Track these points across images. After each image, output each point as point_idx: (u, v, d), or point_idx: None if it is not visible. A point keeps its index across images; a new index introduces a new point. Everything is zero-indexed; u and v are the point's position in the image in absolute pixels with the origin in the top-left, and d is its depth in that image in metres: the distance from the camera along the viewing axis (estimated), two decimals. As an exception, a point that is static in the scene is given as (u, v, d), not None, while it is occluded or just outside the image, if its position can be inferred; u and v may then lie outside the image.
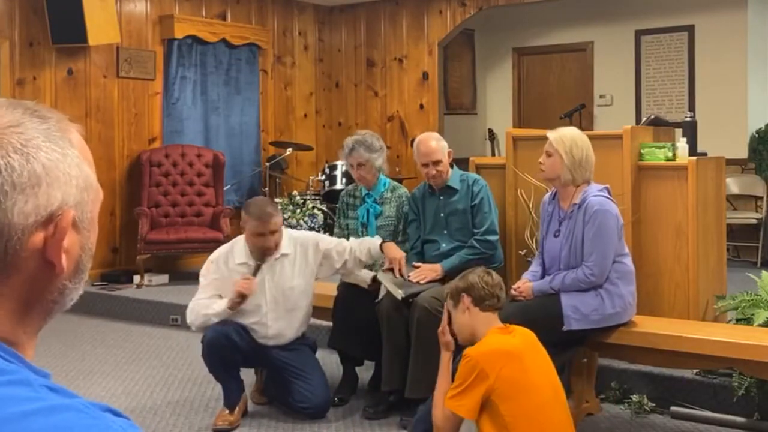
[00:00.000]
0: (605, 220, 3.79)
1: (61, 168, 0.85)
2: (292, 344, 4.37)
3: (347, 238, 4.74)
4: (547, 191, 4.59)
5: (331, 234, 4.92)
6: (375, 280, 4.41)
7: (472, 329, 3.25)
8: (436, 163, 4.45)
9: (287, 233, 4.38)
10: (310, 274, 4.37)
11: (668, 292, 4.50)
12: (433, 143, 4.49)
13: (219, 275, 4.26)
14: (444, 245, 4.52)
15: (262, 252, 4.21)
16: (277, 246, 4.24)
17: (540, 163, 4.00)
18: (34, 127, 0.86)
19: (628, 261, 3.92)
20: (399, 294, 4.18)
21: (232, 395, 4.23)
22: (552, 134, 3.98)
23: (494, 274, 3.32)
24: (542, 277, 4.01)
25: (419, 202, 4.65)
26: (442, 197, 4.54)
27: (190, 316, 4.26)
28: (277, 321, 4.30)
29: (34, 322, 0.87)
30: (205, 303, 4.21)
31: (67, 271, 0.87)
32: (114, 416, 0.80)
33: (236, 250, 4.32)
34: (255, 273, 4.18)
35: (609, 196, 3.90)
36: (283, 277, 4.30)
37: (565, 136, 3.92)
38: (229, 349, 4.17)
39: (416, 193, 4.69)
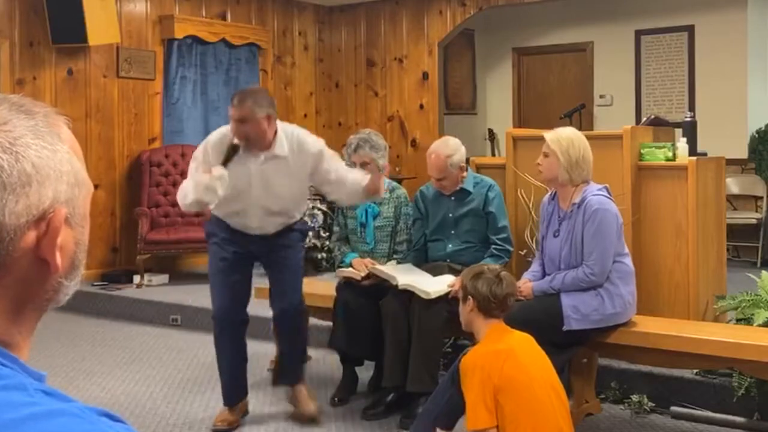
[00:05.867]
0: (605, 218, 3.79)
1: (51, 165, 0.84)
2: (280, 235, 4.20)
3: (346, 238, 4.76)
4: (548, 191, 4.59)
5: (331, 234, 4.91)
6: (369, 276, 4.40)
7: (474, 326, 3.31)
8: (440, 179, 4.46)
9: (287, 132, 4.09)
10: (303, 180, 4.15)
11: (668, 292, 4.50)
12: (441, 162, 4.40)
13: (213, 158, 4.03)
14: (450, 246, 4.51)
15: (233, 141, 3.97)
16: (247, 139, 3.95)
17: (538, 164, 4.01)
18: (21, 124, 0.84)
19: (628, 261, 3.93)
20: (395, 281, 4.20)
21: (233, 393, 4.21)
22: (549, 135, 3.98)
23: (505, 281, 3.29)
24: (542, 276, 4.01)
25: (428, 201, 4.62)
26: (453, 198, 4.53)
27: (181, 193, 4.03)
28: (260, 220, 4.13)
29: (28, 321, 0.87)
30: (186, 186, 4.02)
31: (63, 268, 0.86)
32: (111, 421, 0.79)
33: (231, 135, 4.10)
34: (225, 161, 3.93)
35: (608, 195, 3.91)
36: (272, 178, 4.05)
37: (562, 137, 3.93)
38: (239, 323, 4.20)
39: (425, 191, 4.66)
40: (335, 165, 4.19)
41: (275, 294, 4.30)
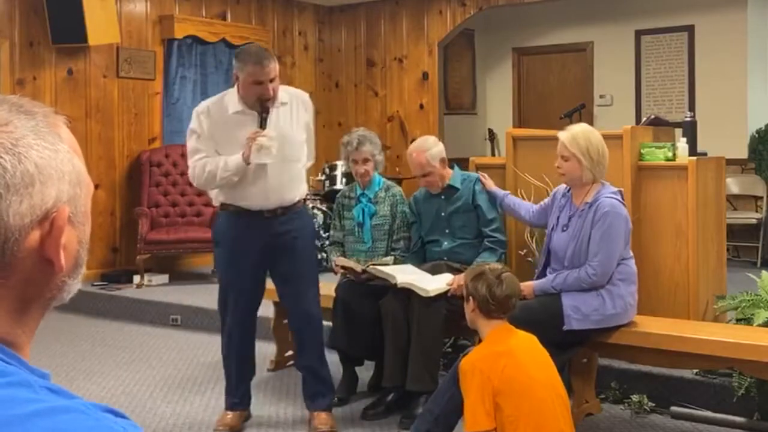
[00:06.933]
0: (615, 222, 3.79)
1: (53, 165, 0.84)
2: (291, 218, 4.04)
3: (342, 241, 4.78)
4: (548, 191, 4.59)
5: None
6: (366, 271, 4.40)
7: (477, 326, 3.31)
8: (425, 174, 4.51)
9: (283, 87, 4.08)
10: (303, 130, 4.09)
11: (668, 292, 4.50)
12: (422, 157, 4.48)
13: (214, 126, 3.94)
14: (446, 244, 4.54)
15: (261, 102, 3.90)
16: (275, 94, 3.93)
17: (557, 167, 3.94)
18: (22, 124, 0.84)
19: (632, 263, 3.92)
20: (393, 280, 4.20)
21: (238, 399, 4.17)
22: (564, 136, 3.91)
23: (506, 282, 3.25)
24: (544, 269, 4.01)
25: (420, 203, 4.67)
26: (443, 197, 4.57)
27: (202, 178, 3.93)
28: (279, 174, 3.96)
29: (32, 320, 0.87)
30: (217, 162, 3.89)
31: (66, 267, 0.86)
32: (115, 417, 0.79)
33: (228, 100, 3.98)
34: (262, 125, 3.89)
35: (621, 200, 3.89)
36: (284, 124, 3.99)
37: (579, 137, 3.88)
38: (249, 333, 4.15)
39: (417, 195, 4.73)
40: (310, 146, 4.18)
41: (288, 301, 4.16)
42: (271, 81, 3.88)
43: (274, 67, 3.89)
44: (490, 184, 4.55)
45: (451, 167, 4.64)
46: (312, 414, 4.11)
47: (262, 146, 3.82)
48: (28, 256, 0.83)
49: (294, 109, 4.06)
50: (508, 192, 4.58)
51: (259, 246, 4.01)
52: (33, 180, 0.82)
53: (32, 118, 0.86)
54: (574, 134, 3.91)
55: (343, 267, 4.51)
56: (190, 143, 3.99)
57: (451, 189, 4.56)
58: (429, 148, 4.51)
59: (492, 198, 4.54)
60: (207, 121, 3.96)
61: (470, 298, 3.26)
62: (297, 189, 4.08)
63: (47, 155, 0.84)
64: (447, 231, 4.56)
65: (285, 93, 4.04)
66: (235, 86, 3.99)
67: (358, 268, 4.42)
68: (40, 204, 0.83)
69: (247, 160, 3.84)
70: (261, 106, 3.90)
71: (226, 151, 3.92)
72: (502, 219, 4.60)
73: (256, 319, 4.24)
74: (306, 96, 4.18)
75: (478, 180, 4.58)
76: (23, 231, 0.82)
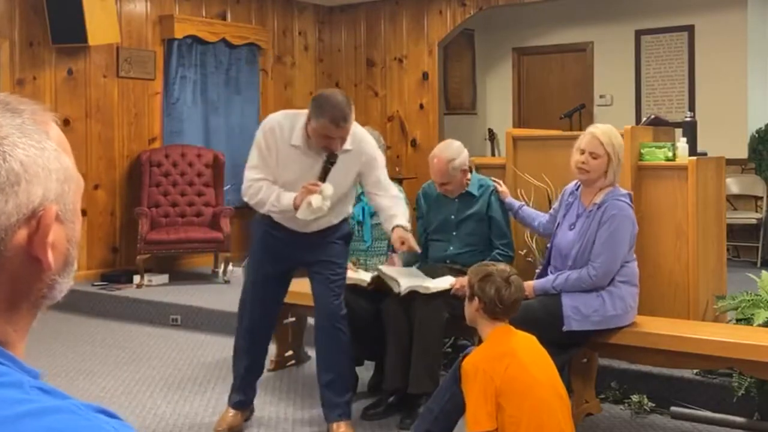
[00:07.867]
0: (622, 224, 3.78)
1: (39, 163, 0.84)
2: (331, 233, 4.02)
3: None
4: (548, 192, 4.59)
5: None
6: (374, 281, 4.38)
7: (478, 326, 3.28)
8: (444, 183, 4.42)
9: (353, 130, 3.89)
10: (353, 176, 3.98)
11: (668, 292, 4.50)
12: (443, 166, 4.34)
13: (274, 146, 3.89)
14: (452, 248, 4.49)
15: (328, 151, 3.82)
16: (342, 145, 3.83)
17: (582, 163, 3.88)
18: (7, 123, 0.84)
19: (634, 265, 3.92)
20: (397, 288, 4.17)
21: (243, 397, 4.16)
22: (599, 134, 3.86)
23: (514, 285, 3.21)
24: (545, 268, 4.00)
25: (431, 201, 4.58)
26: (457, 200, 4.50)
27: (254, 199, 3.92)
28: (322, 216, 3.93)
29: (23, 319, 0.87)
30: (269, 193, 3.87)
31: (56, 266, 0.86)
32: (107, 417, 0.79)
33: (295, 128, 3.87)
34: (324, 177, 3.81)
35: (630, 203, 3.88)
36: (338, 173, 3.89)
37: (613, 136, 3.87)
38: (267, 336, 4.15)
39: (427, 190, 4.62)
40: (383, 179, 4.02)
41: (316, 305, 4.10)
42: (342, 138, 3.79)
43: (350, 128, 3.77)
44: (506, 193, 4.50)
45: (470, 171, 4.53)
46: (332, 426, 3.98)
47: (312, 204, 3.73)
48: (16, 255, 0.83)
49: (353, 160, 3.92)
50: (524, 204, 4.53)
51: (292, 254, 4.02)
52: (19, 179, 0.82)
53: (18, 115, 0.85)
54: (608, 133, 3.88)
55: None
56: (252, 156, 3.98)
57: (467, 195, 4.47)
58: (452, 158, 4.34)
59: (506, 209, 4.49)
60: (272, 139, 3.91)
61: (475, 298, 3.23)
62: (341, 215, 4.04)
63: (33, 153, 0.84)
64: (454, 234, 4.50)
65: (353, 140, 3.89)
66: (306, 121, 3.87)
67: (365, 282, 4.40)
68: (26, 203, 0.83)
69: (296, 208, 3.77)
70: (328, 155, 3.83)
71: (280, 172, 3.89)
72: (510, 224, 4.57)
73: (276, 321, 4.27)
74: (371, 147, 4.01)
75: (494, 190, 4.51)
76: (10, 230, 0.82)
